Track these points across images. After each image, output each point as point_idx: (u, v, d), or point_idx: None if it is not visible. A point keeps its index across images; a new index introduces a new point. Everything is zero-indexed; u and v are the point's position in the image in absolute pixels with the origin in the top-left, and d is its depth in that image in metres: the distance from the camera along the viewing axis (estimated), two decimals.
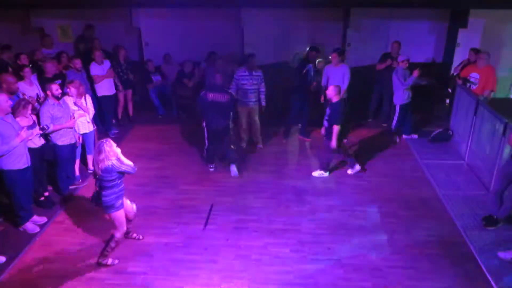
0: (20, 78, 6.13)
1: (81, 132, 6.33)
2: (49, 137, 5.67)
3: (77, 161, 6.44)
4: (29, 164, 5.07)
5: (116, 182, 4.40)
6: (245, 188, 6.30)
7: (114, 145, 4.41)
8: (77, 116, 6.09)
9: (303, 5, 8.76)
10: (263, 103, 7.45)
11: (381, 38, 8.65)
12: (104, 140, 4.39)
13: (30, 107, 5.23)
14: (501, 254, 4.73)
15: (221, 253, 4.89)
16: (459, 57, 9.22)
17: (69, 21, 9.89)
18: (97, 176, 4.38)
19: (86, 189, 6.22)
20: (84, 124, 6.35)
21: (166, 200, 5.99)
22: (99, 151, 4.28)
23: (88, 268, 4.64)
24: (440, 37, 9.70)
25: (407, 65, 7.44)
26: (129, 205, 4.79)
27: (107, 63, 7.85)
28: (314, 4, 8.68)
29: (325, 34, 9.31)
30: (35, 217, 5.36)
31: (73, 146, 5.98)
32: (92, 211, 5.48)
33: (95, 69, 7.67)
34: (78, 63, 7.32)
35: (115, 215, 4.51)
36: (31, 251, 4.91)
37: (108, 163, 4.27)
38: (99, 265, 4.65)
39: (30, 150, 5.19)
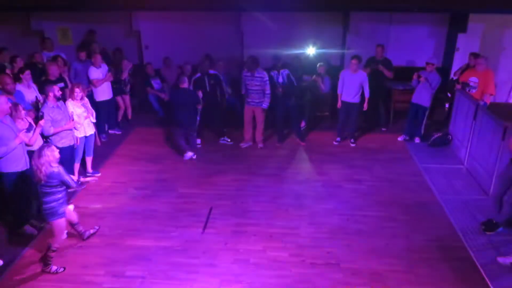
0: (18, 80, 6.13)
1: (87, 134, 6.34)
2: (48, 140, 5.66)
3: (77, 165, 6.41)
4: (28, 166, 5.06)
5: (57, 188, 4.36)
6: (244, 191, 6.29)
7: (56, 151, 4.37)
8: (83, 119, 6.11)
9: (303, 9, 8.79)
10: (264, 105, 7.47)
11: (380, 42, 8.66)
12: (46, 145, 4.40)
13: (20, 107, 5.19)
14: (501, 259, 4.72)
15: (219, 257, 4.87)
16: (458, 61, 9.25)
17: (69, 24, 9.92)
18: (40, 183, 4.29)
19: (83, 192, 6.21)
20: (90, 125, 6.36)
21: (165, 204, 5.97)
22: (39, 155, 4.21)
23: (85, 272, 4.62)
24: (440, 42, 9.72)
25: (431, 68, 7.48)
26: (70, 211, 4.78)
27: (104, 67, 7.86)
28: (314, 8, 8.70)
29: (325, 38, 9.33)
30: (33, 221, 5.34)
31: (72, 148, 5.97)
32: (90, 214, 5.47)
33: (94, 73, 7.68)
34: (83, 55, 7.84)
35: (57, 223, 4.46)
36: (29, 254, 4.89)
37: (54, 169, 4.24)
38: (43, 272, 4.58)
39: (30, 152, 5.17)
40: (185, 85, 7.05)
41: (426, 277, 4.56)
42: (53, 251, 4.57)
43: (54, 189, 4.34)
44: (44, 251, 4.63)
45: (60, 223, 4.49)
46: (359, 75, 7.55)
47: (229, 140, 8.02)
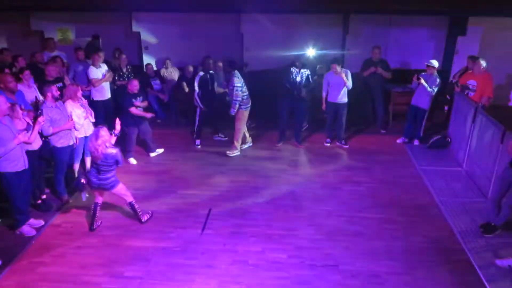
0: (18, 80, 6.11)
1: (87, 134, 6.33)
2: (48, 139, 5.66)
3: (77, 165, 6.41)
4: (27, 166, 5.05)
5: (115, 165, 5.04)
6: (243, 193, 6.29)
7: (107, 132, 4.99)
8: (82, 119, 6.10)
9: (302, 11, 8.80)
10: (231, 111, 7.31)
11: (380, 45, 8.68)
12: (100, 126, 5.02)
13: (18, 107, 5.19)
14: (499, 262, 4.72)
15: (218, 258, 4.87)
16: (457, 64, 9.27)
17: (69, 24, 9.92)
18: (96, 162, 4.91)
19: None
20: (89, 125, 6.35)
21: (164, 204, 5.97)
22: (97, 137, 4.77)
23: (84, 272, 4.61)
24: (439, 45, 9.74)
25: (431, 71, 7.47)
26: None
27: (104, 67, 7.85)
28: (314, 10, 8.72)
29: (325, 40, 9.34)
30: (32, 220, 5.34)
31: (71, 148, 5.97)
32: (89, 215, 5.46)
33: (93, 73, 7.68)
34: (81, 54, 7.91)
35: (120, 187, 5.21)
36: (28, 254, 4.89)
37: (113, 150, 4.88)
38: (142, 223, 5.41)
39: (28, 152, 5.17)
40: (130, 88, 6.93)
41: (425, 279, 4.56)
42: (135, 203, 5.36)
43: (113, 167, 5.02)
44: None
45: (121, 187, 5.24)
46: (340, 76, 7.49)
47: (223, 136, 8.05)
